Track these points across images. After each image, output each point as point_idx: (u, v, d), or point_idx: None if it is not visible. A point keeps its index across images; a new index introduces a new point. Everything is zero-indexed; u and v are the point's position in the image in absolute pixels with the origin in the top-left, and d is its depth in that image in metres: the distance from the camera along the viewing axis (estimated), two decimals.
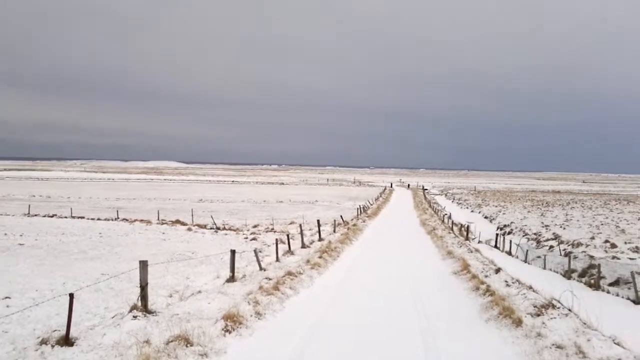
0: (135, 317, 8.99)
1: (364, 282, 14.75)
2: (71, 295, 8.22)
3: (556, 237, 34.61)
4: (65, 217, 38.74)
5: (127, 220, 37.20)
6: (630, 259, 24.50)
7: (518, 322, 9.28)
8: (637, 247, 28.55)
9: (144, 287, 9.57)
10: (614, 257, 24.69)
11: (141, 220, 36.58)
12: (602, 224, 43.02)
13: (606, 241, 31.21)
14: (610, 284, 17.48)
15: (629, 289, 15.59)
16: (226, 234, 30.50)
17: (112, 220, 37.30)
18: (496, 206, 67.13)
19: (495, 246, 30.30)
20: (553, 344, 7.95)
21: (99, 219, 37.51)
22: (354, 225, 32.36)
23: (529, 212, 57.83)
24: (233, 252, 13.77)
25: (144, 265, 9.69)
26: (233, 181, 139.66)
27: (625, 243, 30.34)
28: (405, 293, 13.16)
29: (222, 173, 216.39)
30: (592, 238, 33.03)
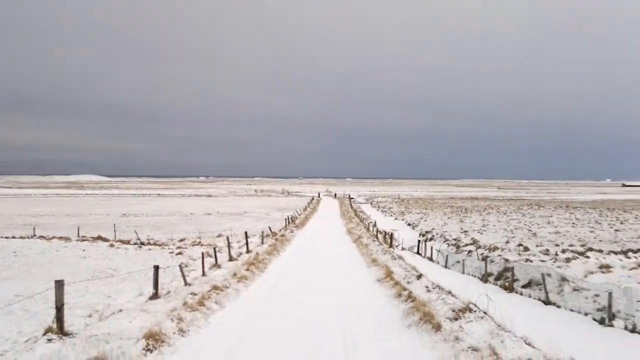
0: (50, 340, 8.58)
1: (290, 291, 14.85)
2: None
3: (474, 242, 36.22)
4: None
5: (44, 237, 35.19)
6: (541, 261, 26.08)
7: (437, 327, 9.68)
8: (547, 249, 30.42)
9: (60, 308, 9.15)
10: (527, 260, 26.17)
11: (60, 237, 34.75)
12: (516, 228, 45.53)
13: (520, 244, 33.04)
14: (524, 286, 18.47)
15: (540, 290, 16.57)
16: (151, 249, 29.60)
17: (28, 237, 35.17)
18: (418, 213, 69.34)
19: (418, 252, 31.30)
20: (469, 347, 8.37)
21: (13, 237, 35.26)
22: (282, 236, 32.40)
23: (449, 218, 60.17)
24: (156, 267, 13.43)
25: (59, 284, 9.28)
26: (159, 194, 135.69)
27: (537, 246, 32.26)
28: (330, 302, 13.35)
29: (148, 186, 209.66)
30: (507, 242, 34.86)
